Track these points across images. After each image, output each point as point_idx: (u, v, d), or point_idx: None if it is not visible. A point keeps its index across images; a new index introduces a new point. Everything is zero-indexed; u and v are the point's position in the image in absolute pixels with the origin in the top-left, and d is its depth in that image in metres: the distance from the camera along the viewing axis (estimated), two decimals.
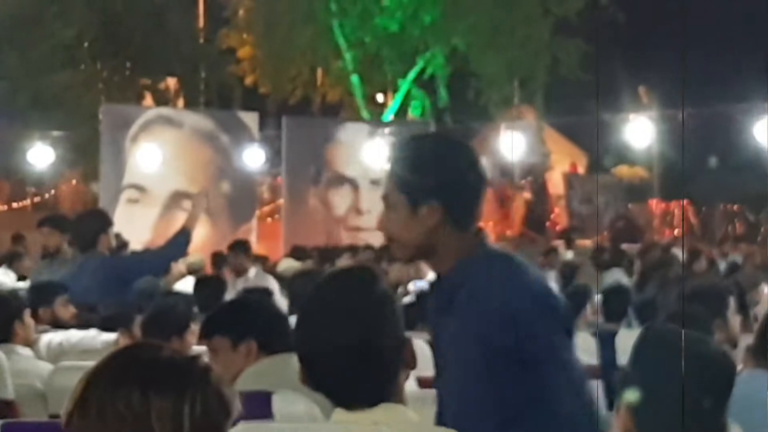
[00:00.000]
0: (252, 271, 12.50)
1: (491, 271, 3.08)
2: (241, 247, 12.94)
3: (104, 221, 8.84)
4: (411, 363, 2.85)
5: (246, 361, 4.33)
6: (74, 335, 6.51)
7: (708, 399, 3.00)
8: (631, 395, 3.02)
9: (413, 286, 10.69)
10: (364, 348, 2.79)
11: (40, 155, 20.50)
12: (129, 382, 2.10)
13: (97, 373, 2.15)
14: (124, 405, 2.07)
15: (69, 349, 6.33)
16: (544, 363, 3.00)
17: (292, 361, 4.17)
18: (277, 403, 3.90)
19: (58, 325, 7.14)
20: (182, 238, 8.75)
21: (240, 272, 12.07)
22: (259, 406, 3.78)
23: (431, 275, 11.25)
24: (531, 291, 3.06)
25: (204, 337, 4.54)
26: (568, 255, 16.53)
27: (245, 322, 4.46)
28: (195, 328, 6.08)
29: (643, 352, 3.10)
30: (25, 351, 6.23)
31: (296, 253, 16.32)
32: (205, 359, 2.25)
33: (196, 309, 6.69)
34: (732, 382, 3.09)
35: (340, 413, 2.86)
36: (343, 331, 2.79)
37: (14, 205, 28.51)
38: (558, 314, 3.10)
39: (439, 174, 3.22)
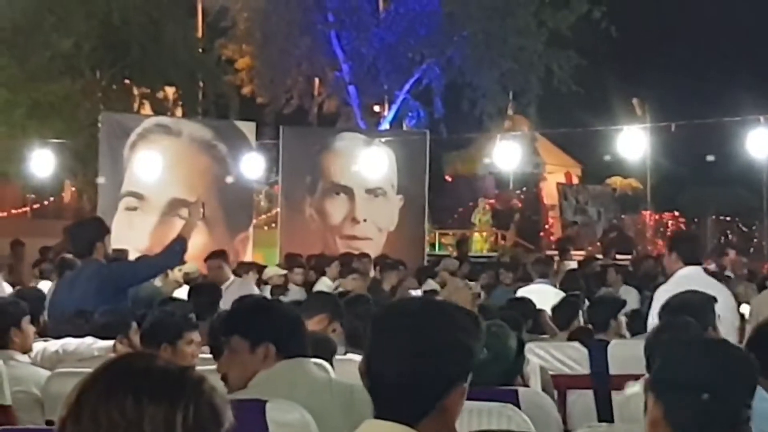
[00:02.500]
0: (236, 281, 12.20)
1: None
2: (216, 257, 12.40)
3: (101, 229, 8.87)
4: None
5: (263, 364, 4.31)
6: (70, 343, 6.49)
7: (734, 392, 3.09)
8: (658, 387, 3.12)
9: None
10: (432, 369, 2.87)
11: (39, 163, 20.56)
12: (123, 389, 2.11)
13: (92, 381, 2.16)
14: (118, 412, 2.09)
15: (65, 357, 6.32)
16: None
17: (307, 365, 4.38)
18: (271, 411, 3.90)
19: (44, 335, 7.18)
20: (178, 247, 8.78)
21: (220, 282, 11.64)
22: (253, 414, 3.80)
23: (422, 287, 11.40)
24: None
25: (223, 334, 4.50)
26: (569, 265, 16.60)
27: (265, 325, 4.42)
28: (192, 335, 6.24)
29: (673, 347, 3.24)
30: (23, 358, 6.26)
31: (288, 261, 16.43)
32: (198, 369, 2.26)
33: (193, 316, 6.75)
34: (755, 377, 3.18)
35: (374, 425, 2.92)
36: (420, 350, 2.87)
37: (13, 211, 28.60)
38: None
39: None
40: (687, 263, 8.45)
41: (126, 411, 2.09)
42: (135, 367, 2.20)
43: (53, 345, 6.58)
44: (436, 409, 2.85)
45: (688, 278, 8.14)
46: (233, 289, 10.81)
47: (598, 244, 26.79)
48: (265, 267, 15.83)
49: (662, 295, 7.57)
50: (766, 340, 4.69)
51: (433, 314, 2.95)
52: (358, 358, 6.26)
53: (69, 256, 13.44)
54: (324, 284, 13.91)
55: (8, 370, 5.78)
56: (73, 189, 28.45)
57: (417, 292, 11.24)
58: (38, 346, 6.57)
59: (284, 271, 15.16)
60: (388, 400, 2.89)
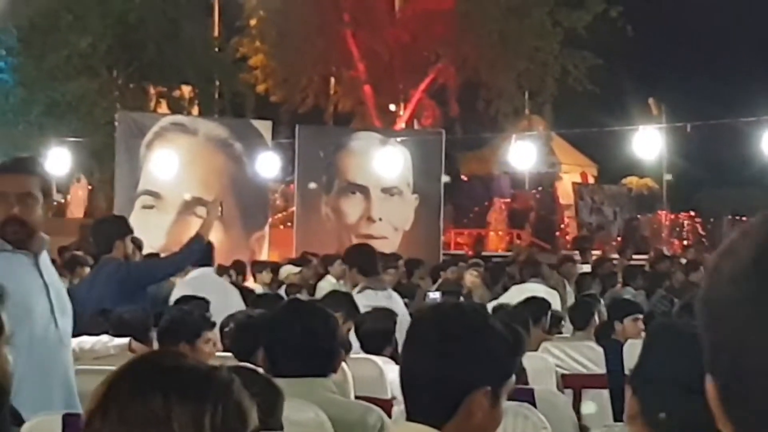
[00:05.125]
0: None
1: None
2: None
3: (122, 227, 8.79)
4: None
5: None
6: (87, 341, 6.44)
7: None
8: (635, 381, 3.09)
9: (427, 298, 10.89)
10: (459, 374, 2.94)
11: (56, 161, 20.62)
12: (152, 387, 2.10)
13: (120, 376, 2.15)
14: (146, 409, 2.07)
15: (81, 355, 6.23)
16: None
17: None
18: (286, 410, 3.87)
19: None
20: (196, 245, 8.79)
21: None
22: None
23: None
24: None
25: None
26: (583, 267, 16.55)
27: None
28: (210, 334, 6.25)
29: (653, 341, 3.20)
30: None
31: (301, 260, 16.43)
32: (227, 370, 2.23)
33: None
34: None
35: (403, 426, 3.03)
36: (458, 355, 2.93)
37: None
38: None
39: None
40: None
41: (154, 408, 2.07)
42: (164, 365, 2.19)
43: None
44: (459, 413, 2.90)
45: None
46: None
47: (614, 243, 26.76)
48: (280, 266, 15.85)
49: None
50: None
51: (457, 319, 3.01)
52: (373, 358, 6.32)
53: (79, 253, 13.47)
54: (328, 282, 13.90)
55: None
56: (90, 187, 28.51)
57: (435, 294, 11.19)
58: None
59: (297, 270, 15.15)
60: (414, 403, 2.98)
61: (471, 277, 14.20)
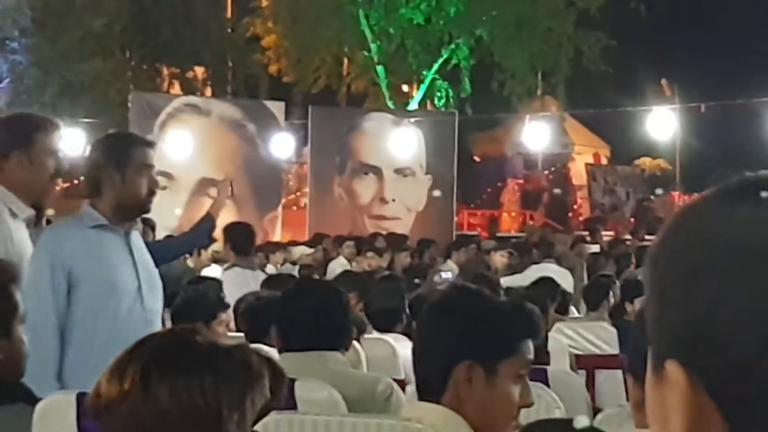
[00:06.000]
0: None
1: None
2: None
3: None
4: None
5: None
6: None
7: None
8: (639, 369, 3.13)
9: (439, 278, 10.92)
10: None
11: (70, 142, 20.69)
12: (199, 368, 2.11)
13: (156, 355, 2.14)
14: (198, 390, 2.08)
15: None
16: None
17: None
18: (300, 389, 3.94)
19: None
20: (206, 225, 8.82)
21: None
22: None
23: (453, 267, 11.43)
24: None
25: None
26: (593, 247, 16.58)
27: None
28: (224, 315, 6.26)
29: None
30: None
31: (313, 240, 16.51)
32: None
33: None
34: None
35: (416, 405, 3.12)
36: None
37: None
38: None
39: None
40: None
41: (205, 389, 2.09)
42: (204, 345, 2.17)
43: None
44: (448, 388, 2.97)
45: None
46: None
47: (627, 224, 26.73)
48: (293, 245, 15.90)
49: None
50: None
51: (452, 297, 3.12)
52: (386, 337, 6.36)
53: None
54: (339, 263, 13.95)
55: None
56: None
57: (447, 274, 11.22)
58: None
59: (310, 251, 15.20)
60: (418, 380, 3.06)
61: (501, 258, 14.25)
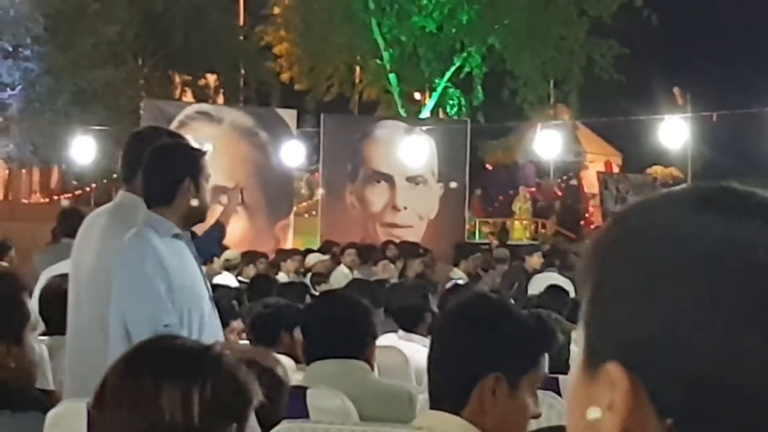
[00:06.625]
0: None
1: None
2: None
3: None
4: None
5: None
6: None
7: None
8: None
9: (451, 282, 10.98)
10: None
11: (82, 149, 20.72)
12: (142, 369, 2.13)
13: (118, 363, 2.20)
14: (139, 392, 2.09)
15: None
16: None
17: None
18: (312, 397, 3.94)
19: None
20: (215, 233, 8.83)
21: None
22: (294, 400, 3.73)
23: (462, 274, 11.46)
24: None
25: None
26: None
27: None
28: (236, 323, 6.25)
29: None
30: None
31: (324, 247, 16.48)
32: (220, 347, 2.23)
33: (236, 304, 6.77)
34: None
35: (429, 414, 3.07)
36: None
37: (55, 197, 28.82)
38: None
39: None
40: None
41: (143, 388, 2.09)
42: (157, 347, 2.22)
43: None
44: (471, 399, 2.93)
45: None
46: None
47: None
48: (306, 253, 15.86)
49: None
50: None
51: (475, 308, 3.06)
52: (398, 345, 6.34)
53: None
54: (340, 272, 13.87)
55: (62, 357, 5.64)
56: (115, 175, 28.56)
57: (459, 281, 11.27)
58: None
59: (325, 258, 15.16)
60: (434, 390, 3.04)
61: (538, 260, 14.37)
